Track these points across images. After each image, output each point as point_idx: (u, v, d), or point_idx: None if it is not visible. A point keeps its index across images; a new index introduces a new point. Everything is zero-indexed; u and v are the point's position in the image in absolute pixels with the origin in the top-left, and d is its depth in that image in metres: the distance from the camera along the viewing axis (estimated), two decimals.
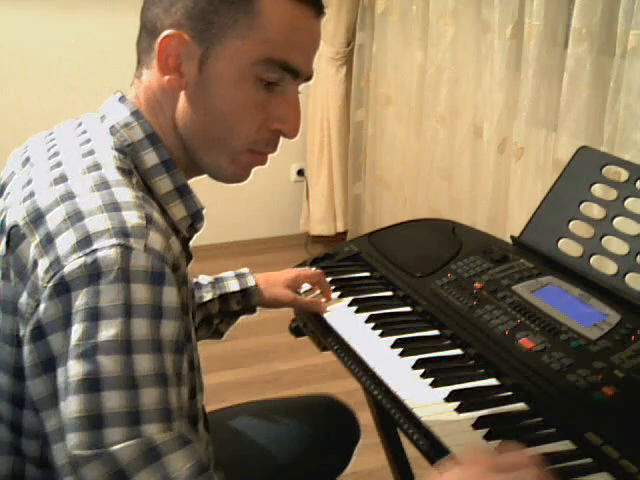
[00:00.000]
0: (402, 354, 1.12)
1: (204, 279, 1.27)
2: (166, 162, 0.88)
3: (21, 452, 0.80)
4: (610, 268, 1.22)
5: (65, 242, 0.73)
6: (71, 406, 0.70)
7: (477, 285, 1.26)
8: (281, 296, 1.30)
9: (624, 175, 1.28)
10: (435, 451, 0.91)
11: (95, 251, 0.72)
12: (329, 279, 1.37)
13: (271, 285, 1.31)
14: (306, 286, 1.36)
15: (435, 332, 1.20)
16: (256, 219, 3.75)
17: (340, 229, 3.62)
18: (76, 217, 0.74)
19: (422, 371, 1.07)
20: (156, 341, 0.72)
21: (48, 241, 0.74)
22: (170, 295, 0.74)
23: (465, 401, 0.99)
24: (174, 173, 0.88)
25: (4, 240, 0.79)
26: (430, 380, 1.04)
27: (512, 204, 2.43)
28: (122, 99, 0.90)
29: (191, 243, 0.96)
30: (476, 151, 2.64)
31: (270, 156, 0.94)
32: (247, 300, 1.28)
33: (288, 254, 3.37)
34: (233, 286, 1.27)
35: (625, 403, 0.95)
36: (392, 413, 1.01)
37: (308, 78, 0.91)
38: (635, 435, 0.91)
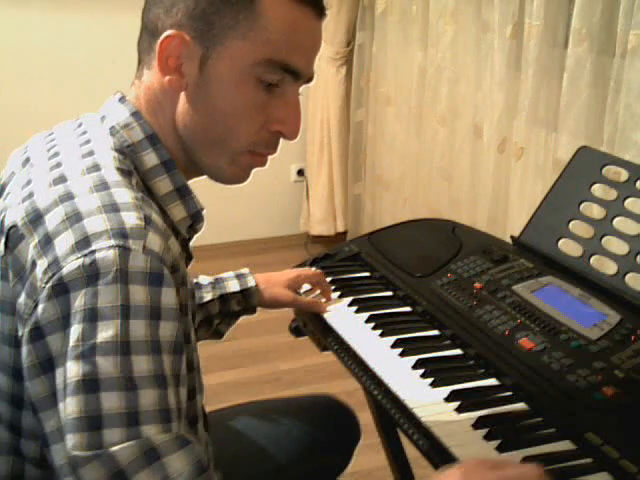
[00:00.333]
0: (402, 354, 1.12)
1: (204, 279, 1.28)
2: (166, 163, 0.88)
3: (20, 453, 0.81)
4: (610, 268, 1.22)
5: (64, 243, 0.73)
6: (70, 407, 0.70)
7: (477, 285, 1.26)
8: (281, 296, 1.30)
9: (624, 175, 1.28)
10: (435, 451, 0.91)
11: (94, 252, 0.72)
12: (329, 279, 1.37)
13: (271, 285, 1.31)
14: (306, 286, 1.35)
15: (435, 332, 1.20)
16: (256, 219, 3.75)
17: (340, 229, 3.62)
18: (75, 218, 0.74)
19: (422, 371, 1.07)
20: (154, 342, 0.72)
21: (47, 242, 0.74)
22: (168, 296, 0.74)
23: (465, 401, 0.99)
24: (174, 174, 0.88)
25: (3, 240, 0.79)
26: (430, 380, 1.04)
27: (512, 204, 2.43)
28: (122, 99, 0.90)
29: (191, 244, 0.96)
30: (476, 151, 2.64)
31: (270, 156, 0.94)
32: (247, 300, 1.28)
33: (288, 254, 3.38)
34: (233, 286, 1.27)
35: (625, 403, 0.95)
36: (392, 413, 1.01)
37: (309, 80, 0.90)
38: (635, 435, 0.91)
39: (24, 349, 0.73)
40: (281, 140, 0.92)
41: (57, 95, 3.12)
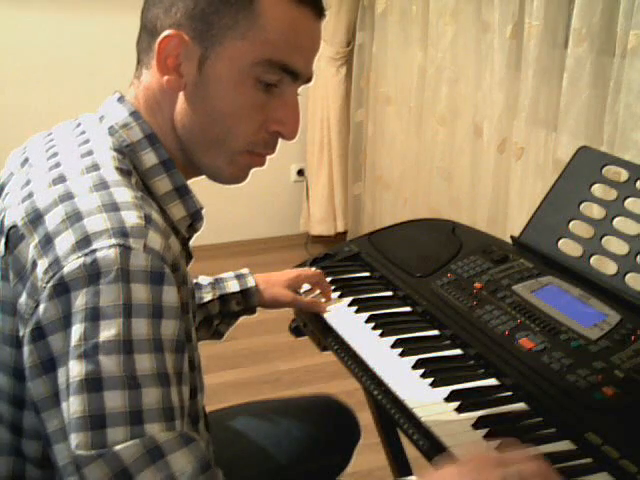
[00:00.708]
0: (402, 354, 1.12)
1: (204, 280, 1.28)
2: (165, 162, 0.88)
3: (21, 453, 0.80)
4: (610, 268, 1.22)
5: (64, 242, 0.73)
6: (73, 406, 0.70)
7: (477, 285, 1.26)
8: (281, 296, 1.30)
9: (624, 175, 1.28)
10: (435, 451, 0.91)
11: (94, 251, 0.72)
12: (329, 279, 1.37)
13: (271, 285, 1.31)
14: (306, 286, 1.35)
15: (435, 332, 1.20)
16: (256, 219, 3.75)
17: (340, 229, 3.62)
18: (75, 217, 0.74)
19: (422, 371, 1.07)
20: (156, 341, 0.72)
21: (47, 241, 0.74)
22: (170, 295, 0.74)
23: (465, 401, 0.99)
24: (173, 173, 0.88)
25: (3, 241, 0.79)
26: (430, 380, 1.04)
27: (512, 204, 2.43)
28: (121, 99, 0.90)
29: (191, 243, 0.96)
30: (476, 151, 2.64)
31: (270, 156, 0.94)
32: (247, 301, 1.28)
33: (288, 254, 3.38)
34: (233, 287, 1.27)
35: (625, 403, 0.95)
36: (392, 413, 1.01)
37: (308, 80, 0.90)
38: (635, 435, 0.91)
39: (25, 349, 0.73)
40: (280, 140, 0.92)
41: (56, 95, 3.12)
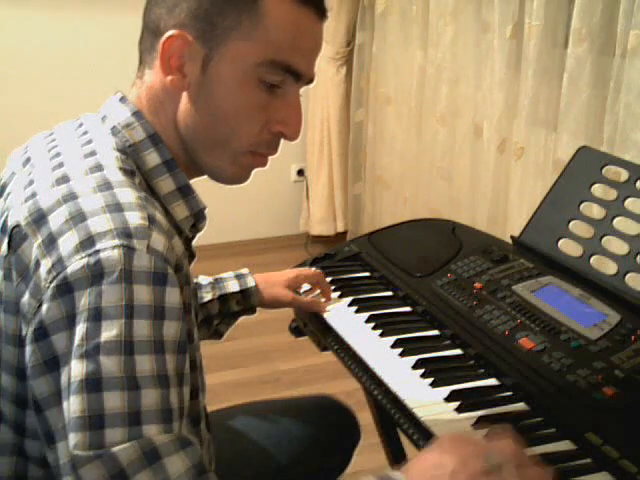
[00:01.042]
0: (402, 354, 1.12)
1: (204, 280, 1.28)
2: (168, 162, 0.88)
3: (24, 452, 0.81)
4: (610, 268, 1.22)
5: (68, 243, 0.73)
6: (73, 406, 0.70)
7: (477, 285, 1.26)
8: (281, 296, 1.30)
9: (624, 175, 1.28)
10: None
11: (98, 252, 0.72)
12: (329, 279, 1.37)
13: (271, 285, 1.31)
14: (306, 286, 1.36)
15: (435, 332, 1.20)
16: (256, 219, 3.75)
17: (340, 229, 3.62)
18: (79, 218, 0.74)
19: (422, 371, 1.07)
20: (158, 342, 0.72)
21: (51, 241, 0.74)
22: (172, 296, 0.74)
23: (465, 401, 0.99)
24: (176, 173, 0.88)
25: (6, 240, 0.79)
26: (430, 380, 1.04)
27: (512, 204, 2.43)
28: (123, 99, 0.90)
29: (193, 242, 0.96)
30: (476, 151, 2.64)
31: (270, 157, 0.94)
32: (247, 300, 1.28)
33: (288, 254, 3.38)
34: (233, 287, 1.27)
35: (625, 403, 0.95)
36: (392, 413, 1.01)
37: (310, 81, 0.91)
38: (635, 435, 0.91)
39: (28, 348, 0.73)
40: (281, 140, 0.92)
41: (57, 95, 3.11)
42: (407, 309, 1.28)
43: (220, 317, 1.28)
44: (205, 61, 0.85)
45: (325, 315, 1.27)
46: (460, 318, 1.19)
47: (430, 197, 2.93)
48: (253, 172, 0.94)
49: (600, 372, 1.00)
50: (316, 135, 3.52)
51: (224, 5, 0.83)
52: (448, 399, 1.00)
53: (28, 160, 0.87)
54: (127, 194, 0.78)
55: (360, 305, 1.28)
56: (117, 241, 0.72)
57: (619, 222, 1.25)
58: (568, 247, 1.29)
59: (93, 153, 0.83)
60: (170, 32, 0.85)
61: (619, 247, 1.22)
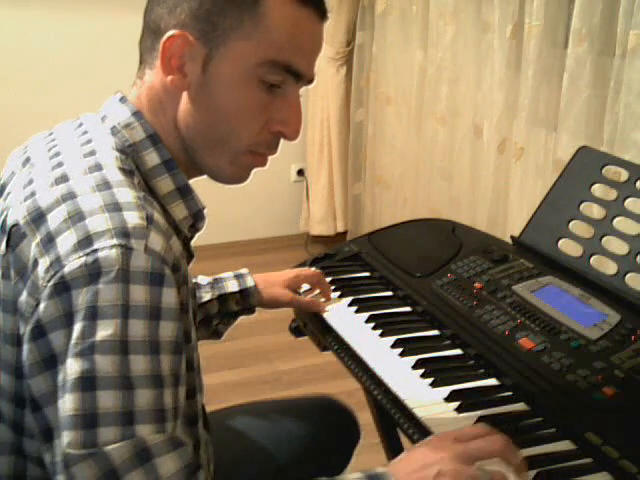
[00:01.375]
0: (402, 354, 1.12)
1: (203, 280, 1.28)
2: (167, 162, 0.88)
3: (22, 452, 0.81)
4: (610, 268, 1.22)
5: (66, 242, 0.73)
6: (67, 404, 0.70)
7: (477, 285, 1.26)
8: (280, 296, 1.30)
9: (624, 175, 1.28)
10: None
11: (96, 251, 0.72)
12: (329, 279, 1.37)
13: (270, 285, 1.31)
14: (306, 286, 1.35)
15: (435, 332, 1.20)
16: (256, 219, 3.75)
17: (340, 229, 3.62)
18: (77, 217, 0.75)
19: (422, 371, 1.07)
20: (153, 342, 0.73)
21: (49, 240, 0.74)
22: (169, 296, 0.74)
23: (465, 401, 0.99)
24: (175, 173, 0.89)
25: (5, 239, 0.79)
26: (430, 380, 1.04)
27: (512, 204, 2.43)
28: (123, 99, 0.90)
29: (192, 242, 0.96)
30: (476, 151, 2.64)
31: (270, 156, 0.94)
32: (246, 300, 1.28)
33: (288, 254, 3.38)
34: (232, 287, 1.27)
35: (625, 403, 0.95)
36: (392, 413, 1.01)
37: (310, 81, 0.91)
38: (635, 435, 0.91)
39: (25, 347, 0.74)
40: (281, 140, 0.92)
41: (57, 95, 3.11)
42: (407, 309, 1.28)
43: (219, 317, 1.28)
44: (206, 61, 0.85)
45: (325, 315, 1.27)
46: (460, 318, 1.19)
47: (430, 197, 2.93)
48: (253, 172, 0.94)
49: (600, 372, 1.00)
50: (316, 135, 3.52)
51: (225, 5, 0.84)
52: (448, 399, 1.00)
53: (28, 160, 0.88)
54: (126, 194, 0.78)
55: (360, 305, 1.28)
56: (115, 241, 0.72)
57: (619, 222, 1.25)
58: (568, 247, 1.29)
59: (92, 153, 0.83)
60: (171, 32, 0.85)
61: (619, 247, 1.22)
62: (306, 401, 1.40)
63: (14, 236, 0.77)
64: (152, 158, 0.87)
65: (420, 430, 0.95)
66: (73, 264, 0.72)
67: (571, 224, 1.30)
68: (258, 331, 2.61)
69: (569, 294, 1.18)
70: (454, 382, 1.04)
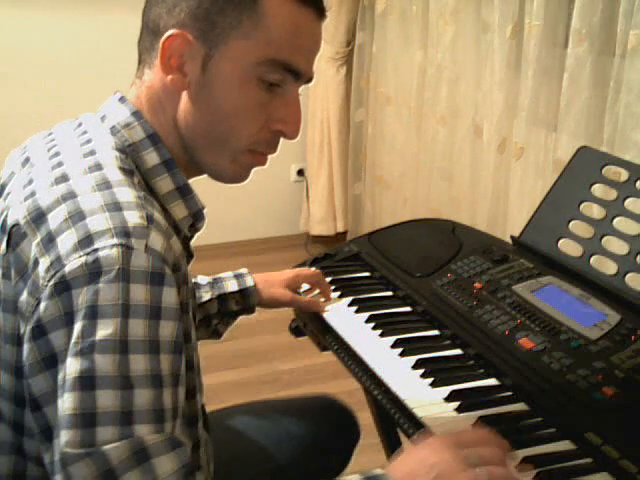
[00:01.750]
0: (402, 354, 1.12)
1: (203, 279, 1.28)
2: (167, 162, 0.88)
3: (22, 451, 0.81)
4: (610, 268, 1.22)
5: (66, 241, 0.73)
6: (66, 403, 0.70)
7: (477, 285, 1.26)
8: (280, 296, 1.30)
9: (624, 175, 1.28)
10: None
11: (96, 250, 0.72)
12: (329, 279, 1.37)
13: (270, 285, 1.31)
14: (305, 286, 1.35)
15: (435, 332, 1.20)
16: (256, 219, 3.75)
17: (340, 229, 3.62)
18: (77, 216, 0.75)
19: (422, 371, 1.07)
20: (153, 342, 0.72)
21: (49, 240, 0.74)
22: (169, 296, 0.74)
23: (465, 401, 0.99)
24: (175, 173, 0.89)
25: (5, 239, 0.79)
26: (430, 380, 1.04)
27: (512, 204, 2.43)
28: (122, 99, 0.90)
29: (192, 242, 0.96)
30: (476, 151, 2.64)
31: (270, 156, 0.94)
32: (246, 300, 1.28)
33: (288, 254, 3.38)
34: (232, 286, 1.27)
35: (625, 403, 0.95)
36: (392, 413, 1.01)
37: (309, 80, 0.91)
38: (635, 435, 0.91)
39: (26, 346, 0.74)
40: (281, 140, 0.92)
41: (56, 95, 3.12)
42: (407, 309, 1.28)
43: (219, 317, 1.28)
44: (205, 60, 0.85)
45: (325, 315, 1.27)
46: (460, 318, 1.19)
47: (430, 197, 2.93)
48: (253, 171, 0.94)
49: (600, 372, 1.00)
50: (316, 135, 3.52)
51: (224, 4, 0.84)
52: (448, 399, 1.00)
53: (27, 160, 0.88)
54: (126, 193, 0.78)
55: (360, 305, 1.28)
56: (115, 240, 0.73)
57: (619, 222, 1.25)
58: (568, 247, 1.29)
59: (92, 152, 0.83)
60: (170, 32, 0.85)
61: (619, 247, 1.22)
62: (306, 401, 1.40)
63: (14, 236, 0.77)
64: (152, 158, 0.87)
65: (420, 430, 0.95)
66: (74, 263, 0.72)
67: (571, 224, 1.30)
68: (258, 331, 2.61)
69: (569, 294, 1.18)
70: (454, 382, 1.04)
